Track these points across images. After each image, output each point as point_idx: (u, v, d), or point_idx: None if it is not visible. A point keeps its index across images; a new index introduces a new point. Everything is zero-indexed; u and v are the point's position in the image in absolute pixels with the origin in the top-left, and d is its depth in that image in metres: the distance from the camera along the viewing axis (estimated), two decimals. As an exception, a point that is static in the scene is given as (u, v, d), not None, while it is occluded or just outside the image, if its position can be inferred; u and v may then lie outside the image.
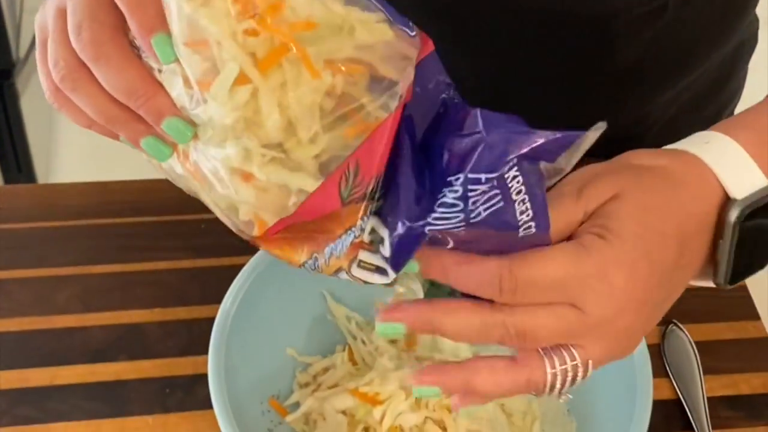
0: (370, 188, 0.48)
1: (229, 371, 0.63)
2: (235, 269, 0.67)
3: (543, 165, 0.47)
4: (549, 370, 0.50)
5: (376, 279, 0.51)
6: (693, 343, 0.77)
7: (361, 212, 0.48)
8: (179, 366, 0.75)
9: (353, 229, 0.49)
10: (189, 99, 0.47)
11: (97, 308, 0.78)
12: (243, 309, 0.66)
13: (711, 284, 0.55)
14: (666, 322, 0.78)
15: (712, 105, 0.93)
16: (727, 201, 0.52)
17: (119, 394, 0.73)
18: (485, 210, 0.46)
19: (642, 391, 0.62)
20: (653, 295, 0.51)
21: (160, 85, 0.48)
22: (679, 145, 0.55)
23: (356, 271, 0.50)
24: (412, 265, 0.50)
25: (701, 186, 0.52)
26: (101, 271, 0.80)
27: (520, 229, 0.47)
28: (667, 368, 0.76)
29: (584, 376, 0.51)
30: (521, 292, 0.48)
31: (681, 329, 0.78)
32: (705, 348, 0.77)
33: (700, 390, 0.74)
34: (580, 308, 0.49)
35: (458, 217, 0.46)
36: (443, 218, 0.47)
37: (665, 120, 0.90)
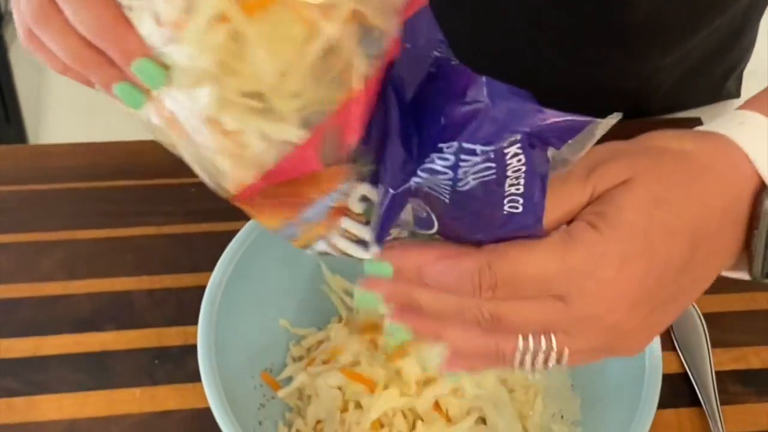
0: (353, 150, 0.45)
1: (220, 344, 0.61)
2: (227, 236, 0.65)
3: (551, 152, 0.43)
4: (520, 345, 0.47)
5: (356, 252, 0.48)
6: (701, 315, 0.74)
7: (342, 176, 0.45)
8: (168, 336, 0.72)
9: (332, 193, 0.46)
10: (160, 37, 0.43)
11: (83, 275, 0.75)
12: (235, 279, 0.63)
13: (746, 277, 0.52)
14: (673, 292, 0.76)
15: (719, 67, 0.91)
16: (762, 188, 0.48)
17: (106, 365, 0.70)
18: (474, 180, 0.43)
19: (652, 369, 0.60)
20: (653, 294, 0.47)
21: (131, 24, 0.44)
22: (710, 126, 0.51)
23: (338, 241, 0.48)
24: (384, 268, 0.48)
25: (731, 173, 0.49)
26: (87, 237, 0.77)
27: (505, 203, 0.44)
28: (674, 341, 0.73)
29: (558, 363, 0.48)
30: (501, 289, 0.46)
31: (689, 300, 0.76)
32: (713, 320, 0.75)
33: (709, 364, 0.72)
34: (565, 301, 0.46)
35: (446, 185, 0.43)
36: (429, 182, 0.44)
37: (672, 82, 0.87)
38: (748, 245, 0.50)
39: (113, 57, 0.45)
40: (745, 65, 0.94)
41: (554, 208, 0.46)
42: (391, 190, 0.44)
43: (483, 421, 0.65)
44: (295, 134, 0.44)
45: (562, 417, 0.66)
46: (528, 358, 0.47)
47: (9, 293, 0.73)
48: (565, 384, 0.68)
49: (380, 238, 0.47)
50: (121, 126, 0.88)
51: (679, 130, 0.50)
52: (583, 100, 0.60)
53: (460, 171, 0.43)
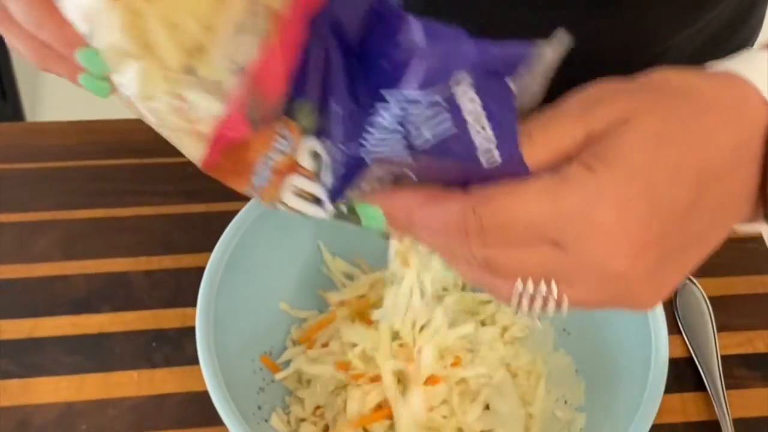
0: (284, 105, 0.43)
1: (218, 327, 0.60)
2: (225, 216, 0.63)
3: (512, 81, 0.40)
4: (519, 287, 0.44)
5: (313, 211, 0.46)
6: (707, 299, 0.74)
7: (272, 135, 0.44)
8: (166, 318, 0.71)
9: (269, 153, 0.44)
10: (82, 25, 0.42)
11: (79, 256, 0.74)
12: (234, 260, 0.62)
13: (766, 228, 0.48)
14: (678, 275, 0.75)
15: (730, 44, 0.89)
16: None
17: (103, 347, 0.69)
18: (433, 135, 0.40)
19: (658, 353, 0.59)
20: (658, 241, 0.43)
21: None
22: (717, 63, 0.46)
23: (290, 200, 0.46)
24: (375, 217, 0.46)
25: (740, 106, 0.44)
26: (83, 217, 0.76)
27: (481, 157, 0.40)
28: (680, 325, 0.72)
29: (557, 310, 0.45)
30: (490, 235, 0.42)
31: (694, 284, 0.75)
32: (719, 304, 0.74)
33: (714, 348, 0.71)
34: (561, 248, 0.42)
35: (400, 143, 0.41)
36: (383, 144, 0.41)
37: (683, 60, 0.86)
38: (764, 189, 0.45)
39: (60, 50, 0.44)
40: (754, 43, 0.93)
41: (545, 147, 0.42)
42: (342, 147, 0.42)
43: (486, 406, 0.64)
44: (217, 106, 0.42)
45: (566, 402, 0.65)
46: (525, 302, 0.45)
47: (3, 274, 0.72)
48: (569, 368, 0.67)
49: (335, 196, 0.44)
50: (119, 103, 0.88)
51: (684, 67, 0.46)
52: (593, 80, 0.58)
53: (411, 126, 0.40)
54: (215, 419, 0.58)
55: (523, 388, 0.66)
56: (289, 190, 0.46)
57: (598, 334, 0.65)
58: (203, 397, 0.65)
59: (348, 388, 0.63)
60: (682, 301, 0.74)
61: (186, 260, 0.74)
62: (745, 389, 0.70)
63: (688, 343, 0.71)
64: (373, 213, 0.47)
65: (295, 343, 0.67)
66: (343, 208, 0.48)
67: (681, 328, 0.72)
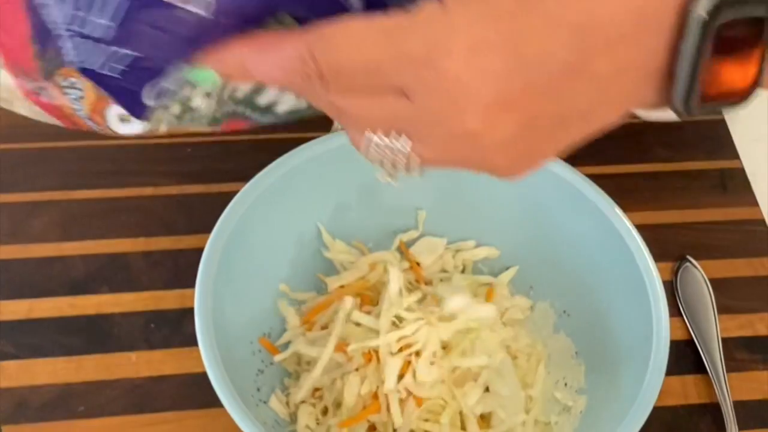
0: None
1: (217, 308, 0.59)
2: (224, 197, 0.63)
3: None
4: (374, 140, 0.40)
5: (122, 129, 0.46)
6: (707, 281, 0.73)
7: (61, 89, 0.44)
8: (165, 299, 0.71)
9: (73, 106, 0.45)
10: None
11: (77, 236, 0.73)
12: (233, 241, 0.62)
13: (670, 115, 0.40)
14: (679, 257, 0.75)
15: None
16: None
17: (101, 328, 0.69)
18: None
19: (659, 336, 0.59)
20: (522, 101, 0.37)
21: None
22: None
23: (121, 128, 0.45)
24: (208, 77, 0.42)
25: None
26: (82, 197, 0.76)
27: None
28: (680, 307, 0.72)
29: (408, 168, 0.41)
30: (332, 81, 0.38)
31: (695, 265, 0.74)
32: (720, 285, 0.73)
33: (715, 330, 0.71)
34: (408, 97, 0.38)
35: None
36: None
37: None
38: (670, 64, 0.38)
39: None
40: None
41: None
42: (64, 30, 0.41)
43: (486, 389, 0.63)
44: None
45: (566, 385, 0.65)
46: (377, 155, 0.41)
47: (1, 255, 0.72)
48: (569, 351, 0.66)
49: (135, 112, 0.43)
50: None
51: None
52: None
53: None
54: (214, 401, 0.58)
55: (523, 370, 0.66)
56: (116, 122, 0.45)
57: (599, 317, 0.65)
58: (202, 379, 0.64)
59: (345, 376, 0.63)
60: (683, 282, 0.73)
61: (185, 241, 0.73)
62: (746, 372, 0.70)
63: (688, 325, 0.71)
64: (205, 75, 0.43)
65: (294, 325, 0.66)
66: (176, 109, 0.45)
67: (681, 310, 0.72)
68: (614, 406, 0.60)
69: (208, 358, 0.57)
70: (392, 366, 0.61)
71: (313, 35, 0.38)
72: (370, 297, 0.67)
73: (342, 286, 0.67)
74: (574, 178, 0.65)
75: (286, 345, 0.65)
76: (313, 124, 0.68)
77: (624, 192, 0.65)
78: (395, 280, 0.64)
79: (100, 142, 0.79)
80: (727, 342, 0.71)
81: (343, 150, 0.65)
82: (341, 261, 0.69)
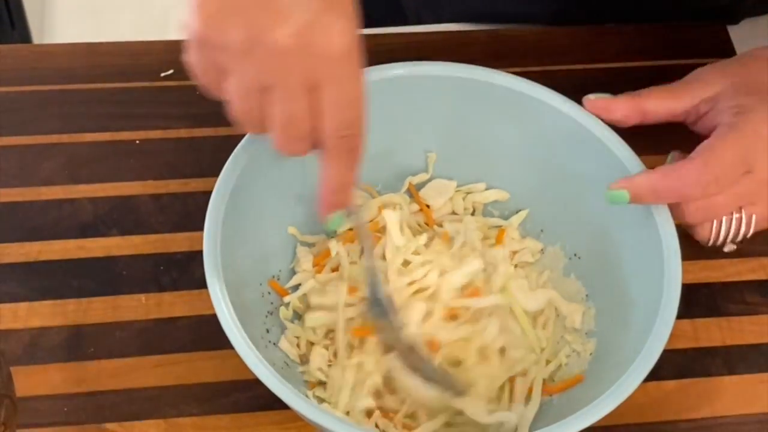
0: None
1: (226, 250, 0.59)
2: (233, 139, 0.62)
3: None
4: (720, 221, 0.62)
5: None
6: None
7: None
8: (174, 242, 0.70)
9: None
10: None
11: (86, 179, 0.73)
12: (241, 184, 0.61)
13: None
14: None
15: None
16: None
17: (110, 270, 0.69)
18: None
19: (671, 277, 0.59)
20: None
21: None
22: None
23: None
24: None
25: None
26: (90, 140, 0.75)
27: None
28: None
29: (747, 232, 0.62)
30: (714, 184, 0.58)
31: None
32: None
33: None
34: (751, 171, 0.59)
35: None
36: None
37: None
38: None
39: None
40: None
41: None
42: None
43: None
44: None
45: (576, 328, 0.65)
46: (722, 234, 0.63)
47: (10, 197, 0.72)
48: (579, 294, 0.66)
49: None
50: (126, 28, 0.86)
51: None
52: None
53: None
54: (224, 342, 0.58)
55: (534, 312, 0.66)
56: None
57: (609, 259, 0.65)
58: (211, 321, 0.64)
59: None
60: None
61: (193, 184, 0.73)
62: (758, 315, 0.69)
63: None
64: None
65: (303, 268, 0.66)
66: None
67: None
68: (624, 348, 0.59)
69: (217, 300, 0.57)
70: (416, 310, 0.61)
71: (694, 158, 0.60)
72: (379, 239, 0.66)
73: (350, 229, 0.67)
74: (587, 120, 0.64)
75: (296, 287, 0.65)
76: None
77: (636, 134, 0.64)
78: (394, 224, 0.64)
79: (109, 85, 0.78)
80: (739, 285, 0.70)
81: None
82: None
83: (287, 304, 0.64)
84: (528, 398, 0.63)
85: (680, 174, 0.59)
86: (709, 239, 0.64)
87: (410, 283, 0.63)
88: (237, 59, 0.50)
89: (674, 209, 0.61)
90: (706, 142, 0.60)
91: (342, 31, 0.50)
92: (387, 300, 0.60)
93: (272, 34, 0.49)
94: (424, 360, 0.60)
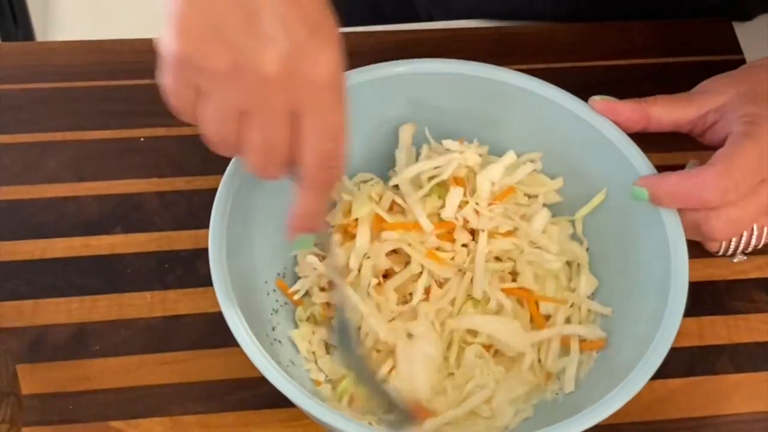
0: None
1: (231, 249, 0.59)
2: (238, 137, 0.62)
3: None
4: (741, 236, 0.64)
5: None
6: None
7: None
8: (179, 240, 0.70)
9: None
10: None
11: (91, 177, 0.73)
12: (246, 181, 0.61)
13: None
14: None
15: None
16: None
17: (115, 268, 0.69)
18: None
19: (677, 277, 0.59)
20: None
21: None
22: None
23: None
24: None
25: None
26: (94, 137, 0.75)
27: None
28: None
29: (758, 243, 0.64)
30: (733, 191, 0.59)
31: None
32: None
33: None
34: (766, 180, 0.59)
35: None
36: None
37: None
38: None
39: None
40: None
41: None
42: None
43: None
44: None
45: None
46: (732, 245, 0.65)
47: (14, 195, 0.72)
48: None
49: None
50: (130, 25, 0.86)
51: None
52: None
53: None
54: (229, 340, 0.58)
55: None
56: None
57: (615, 258, 0.65)
58: (216, 318, 0.64)
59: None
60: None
61: (198, 182, 0.73)
62: (765, 313, 0.69)
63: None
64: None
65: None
66: None
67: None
68: (631, 347, 0.59)
69: (222, 297, 0.57)
70: (453, 195, 0.64)
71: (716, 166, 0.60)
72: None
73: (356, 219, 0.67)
74: (595, 119, 0.64)
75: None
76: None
77: (648, 135, 0.64)
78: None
79: (113, 82, 0.78)
80: (745, 283, 0.70)
81: (357, 88, 0.64)
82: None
83: (305, 307, 0.65)
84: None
85: (700, 179, 0.59)
86: (720, 249, 0.65)
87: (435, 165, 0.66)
88: (218, 83, 0.49)
89: (701, 226, 0.61)
90: (723, 149, 0.60)
91: (328, 60, 0.49)
92: (351, 327, 0.61)
93: (257, 59, 0.48)
94: (382, 388, 0.60)
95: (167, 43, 0.49)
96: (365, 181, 0.68)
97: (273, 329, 0.62)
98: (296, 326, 0.64)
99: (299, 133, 0.51)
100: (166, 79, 0.51)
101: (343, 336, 0.60)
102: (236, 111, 0.50)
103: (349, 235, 0.65)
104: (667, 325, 0.57)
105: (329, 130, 0.51)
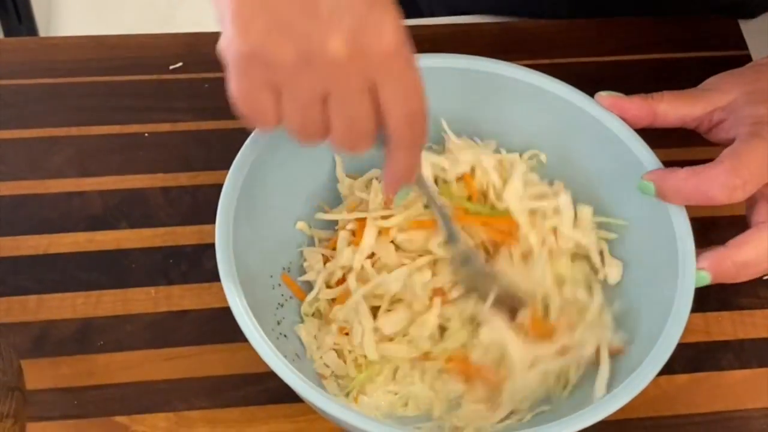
0: None
1: (237, 243, 0.59)
2: (241, 133, 0.62)
3: None
4: None
5: None
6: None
7: None
8: (183, 235, 0.70)
9: None
10: None
11: (95, 172, 0.73)
12: (252, 176, 0.61)
13: None
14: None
15: None
16: None
17: (120, 263, 0.69)
18: None
19: (685, 273, 0.59)
20: None
21: None
22: None
23: None
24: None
25: None
26: (99, 133, 0.75)
27: None
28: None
29: None
30: (741, 189, 0.58)
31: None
32: (743, 222, 0.72)
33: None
34: None
35: None
36: None
37: None
38: None
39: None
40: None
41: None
42: None
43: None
44: None
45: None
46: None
47: (19, 190, 0.71)
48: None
49: None
50: (132, 22, 0.86)
51: None
52: None
53: None
54: (233, 335, 0.58)
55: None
56: None
57: (621, 255, 0.65)
58: (221, 314, 0.65)
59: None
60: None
61: (202, 177, 0.73)
62: (770, 310, 0.69)
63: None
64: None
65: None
66: None
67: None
68: (636, 344, 0.59)
69: (230, 291, 0.56)
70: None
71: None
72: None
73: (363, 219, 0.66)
74: (601, 114, 0.64)
75: (305, 282, 0.65)
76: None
77: (655, 130, 0.64)
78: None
79: (117, 77, 0.78)
80: (751, 280, 0.70)
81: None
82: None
83: (311, 302, 0.64)
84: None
85: (707, 176, 0.58)
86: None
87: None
88: (291, 75, 0.49)
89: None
90: (731, 147, 0.59)
91: (391, 27, 0.49)
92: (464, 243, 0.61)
93: (324, 42, 0.48)
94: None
95: (230, 44, 0.49)
96: (377, 178, 0.67)
97: (278, 323, 0.62)
98: (302, 321, 0.64)
99: (382, 101, 0.51)
100: (236, 84, 0.50)
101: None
102: (316, 97, 0.50)
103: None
104: (674, 322, 0.57)
105: (409, 90, 0.51)
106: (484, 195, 0.65)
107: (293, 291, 0.65)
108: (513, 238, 0.63)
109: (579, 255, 0.65)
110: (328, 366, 0.63)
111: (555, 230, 0.64)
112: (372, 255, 0.63)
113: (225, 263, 0.57)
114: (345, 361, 0.62)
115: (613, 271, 0.64)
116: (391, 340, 0.62)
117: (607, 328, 0.62)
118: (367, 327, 0.61)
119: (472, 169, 0.65)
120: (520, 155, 0.68)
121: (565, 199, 0.65)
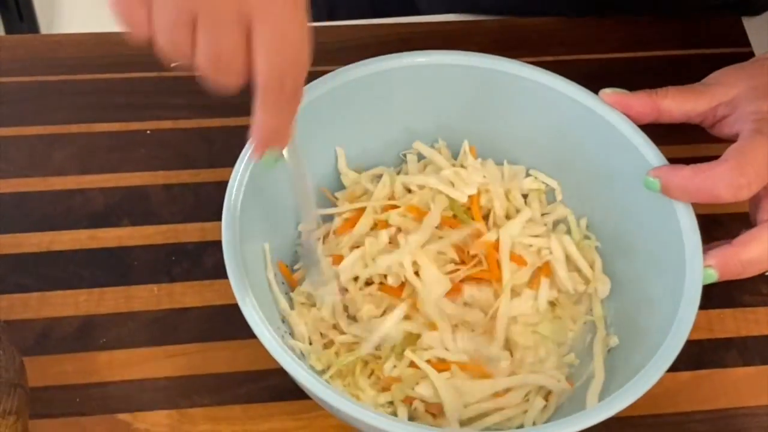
0: None
1: (243, 239, 0.58)
2: (243, 130, 0.61)
3: None
4: None
5: None
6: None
7: None
8: (185, 233, 0.70)
9: None
10: None
11: (97, 170, 0.73)
12: (257, 172, 0.61)
13: None
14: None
15: None
16: None
17: (122, 261, 0.69)
18: None
19: (692, 272, 0.59)
20: None
21: None
22: None
23: None
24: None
25: None
26: (101, 130, 0.75)
27: None
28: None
29: None
30: (746, 188, 0.58)
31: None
32: (745, 220, 0.72)
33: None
34: None
35: None
36: None
37: None
38: None
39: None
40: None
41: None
42: None
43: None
44: None
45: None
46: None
47: (20, 187, 0.71)
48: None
49: None
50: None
51: None
52: None
53: None
54: (236, 333, 0.58)
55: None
56: None
57: (628, 254, 0.65)
58: (223, 311, 0.65)
59: None
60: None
61: (204, 174, 0.73)
62: (773, 307, 0.69)
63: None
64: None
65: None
66: None
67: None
68: (643, 343, 0.59)
69: (237, 286, 0.56)
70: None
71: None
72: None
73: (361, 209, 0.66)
74: (606, 111, 0.64)
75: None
76: (331, 59, 0.67)
77: (660, 126, 0.64)
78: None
79: (119, 75, 0.78)
80: (754, 277, 0.68)
81: (367, 79, 0.64)
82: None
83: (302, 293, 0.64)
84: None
85: (712, 174, 0.58)
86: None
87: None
88: None
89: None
90: (735, 144, 0.59)
91: None
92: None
93: None
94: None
95: None
96: (378, 176, 0.67)
97: (283, 321, 0.62)
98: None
99: (252, 46, 0.48)
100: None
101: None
102: (184, 17, 0.47)
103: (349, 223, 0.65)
104: (681, 321, 0.56)
105: (285, 40, 0.48)
106: (485, 218, 0.66)
107: (285, 276, 0.64)
108: (492, 275, 0.63)
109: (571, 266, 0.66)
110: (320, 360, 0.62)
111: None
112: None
113: (232, 259, 0.57)
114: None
115: (600, 288, 0.65)
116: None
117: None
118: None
119: (479, 192, 0.66)
120: (527, 171, 0.69)
121: (557, 246, 0.65)
